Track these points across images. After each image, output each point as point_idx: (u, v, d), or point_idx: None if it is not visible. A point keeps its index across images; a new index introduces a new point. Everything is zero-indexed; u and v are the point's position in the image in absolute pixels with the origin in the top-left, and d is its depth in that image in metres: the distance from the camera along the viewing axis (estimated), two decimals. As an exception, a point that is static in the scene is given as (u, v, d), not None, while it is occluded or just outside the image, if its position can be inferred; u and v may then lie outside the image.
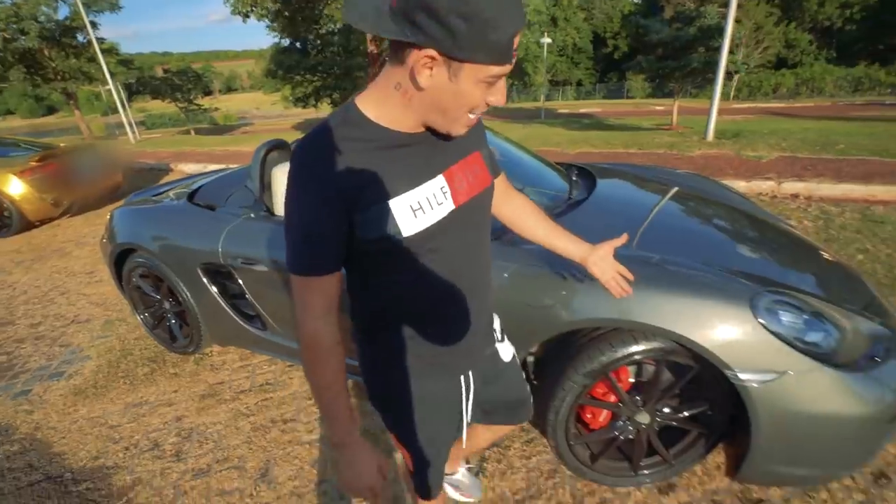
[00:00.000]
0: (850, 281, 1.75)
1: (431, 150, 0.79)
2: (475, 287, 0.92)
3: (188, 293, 2.43)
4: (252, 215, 2.22)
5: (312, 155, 0.74)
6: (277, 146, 2.28)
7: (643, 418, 1.59)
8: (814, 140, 6.44)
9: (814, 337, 1.35)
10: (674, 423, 1.61)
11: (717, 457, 1.77)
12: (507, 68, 0.67)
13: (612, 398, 1.61)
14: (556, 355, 1.60)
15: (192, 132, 22.45)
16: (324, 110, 24.22)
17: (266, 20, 12.22)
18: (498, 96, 0.70)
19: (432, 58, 0.64)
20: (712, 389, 1.47)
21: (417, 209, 0.77)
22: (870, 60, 29.33)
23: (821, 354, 1.32)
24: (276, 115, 40.29)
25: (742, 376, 1.32)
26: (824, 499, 1.59)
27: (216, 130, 25.62)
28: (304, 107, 20.35)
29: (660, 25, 14.76)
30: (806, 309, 1.38)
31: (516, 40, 0.65)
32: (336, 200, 0.72)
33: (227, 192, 2.47)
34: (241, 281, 2.18)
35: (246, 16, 12.02)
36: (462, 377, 1.00)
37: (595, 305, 1.44)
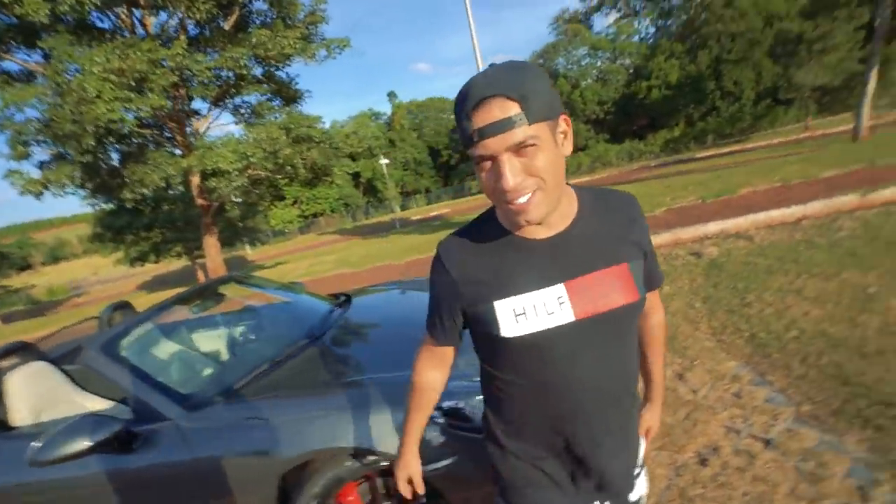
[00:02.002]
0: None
1: (555, 256, 0.80)
2: (595, 405, 0.84)
3: None
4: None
5: (446, 245, 0.86)
6: (9, 351, 2.11)
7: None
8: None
9: (477, 416, 1.59)
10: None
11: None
12: (480, 149, 0.68)
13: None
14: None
15: None
16: (172, 264, 22.55)
17: (72, 191, 11.38)
18: (500, 180, 0.69)
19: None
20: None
21: (521, 314, 0.78)
22: (632, 137, 38.14)
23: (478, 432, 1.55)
24: (120, 276, 36.21)
25: (427, 468, 1.47)
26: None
27: (36, 311, 21.92)
28: (142, 265, 18.72)
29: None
30: (468, 393, 1.64)
31: (477, 121, 0.67)
32: (450, 292, 0.85)
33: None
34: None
35: (39, 194, 11.01)
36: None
37: (300, 441, 1.53)
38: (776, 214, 5.34)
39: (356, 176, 46.09)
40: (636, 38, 41.13)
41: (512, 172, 0.68)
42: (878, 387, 2.14)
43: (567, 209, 0.80)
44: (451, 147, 46.51)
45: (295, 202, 43.73)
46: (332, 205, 45.20)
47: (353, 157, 44.80)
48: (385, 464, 1.53)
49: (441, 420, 1.53)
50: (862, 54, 19.33)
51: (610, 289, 0.79)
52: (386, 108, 56.50)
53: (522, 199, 0.70)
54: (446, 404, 1.57)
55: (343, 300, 2.86)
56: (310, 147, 11.79)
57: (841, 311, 2.95)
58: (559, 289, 0.78)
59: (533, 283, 0.78)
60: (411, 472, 1.12)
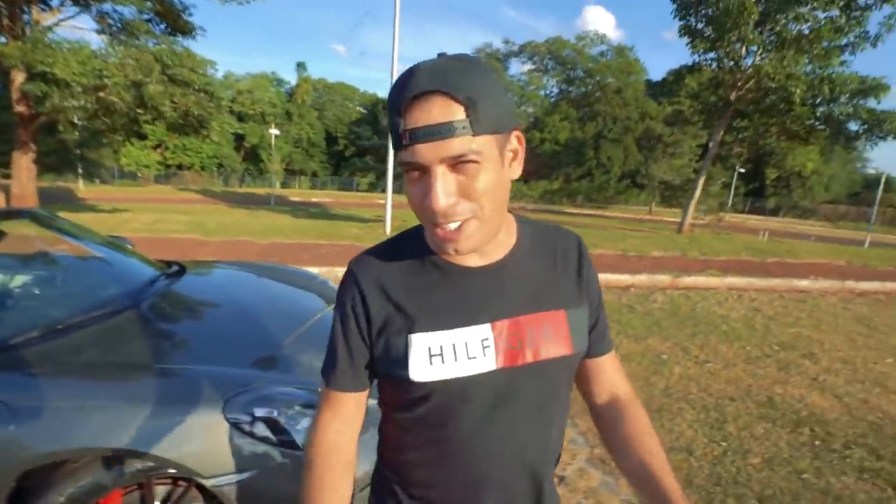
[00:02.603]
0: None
1: (486, 290, 0.66)
2: (508, 475, 0.69)
3: None
4: None
5: (360, 262, 0.70)
6: None
7: (152, 552, 1.39)
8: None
9: (298, 426, 1.46)
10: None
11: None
12: (409, 154, 0.55)
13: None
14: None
15: None
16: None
17: None
18: (428, 197, 0.56)
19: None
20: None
21: (436, 355, 0.63)
22: (517, 179, 41.52)
23: (298, 443, 1.42)
24: None
25: (215, 481, 1.29)
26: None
27: None
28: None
29: (371, 133, 17.35)
30: (291, 401, 1.50)
31: (411, 119, 0.54)
32: (363, 318, 0.67)
33: None
34: None
35: None
36: None
37: (42, 438, 1.22)
38: (612, 278, 6.19)
39: (239, 138, 41.78)
40: (542, 92, 45.29)
41: (444, 191, 0.55)
42: (652, 439, 2.54)
43: (505, 238, 0.68)
44: (349, 139, 45.09)
45: (159, 146, 37.80)
46: (204, 161, 40.15)
47: (240, 118, 40.78)
48: (172, 471, 1.31)
49: (248, 427, 1.36)
50: (696, 166, 24.03)
51: (542, 337, 0.66)
52: (291, 78, 52.63)
53: (452, 226, 0.58)
54: (259, 411, 1.41)
55: (175, 270, 2.47)
56: (186, 93, 10.23)
57: (640, 371, 3.47)
58: (485, 329, 0.64)
59: (457, 319, 0.65)
60: None
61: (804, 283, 7.01)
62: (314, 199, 26.15)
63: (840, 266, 8.47)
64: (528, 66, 45.21)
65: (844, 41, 11.49)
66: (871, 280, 7.41)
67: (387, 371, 0.67)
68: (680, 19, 12.51)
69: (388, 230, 8.31)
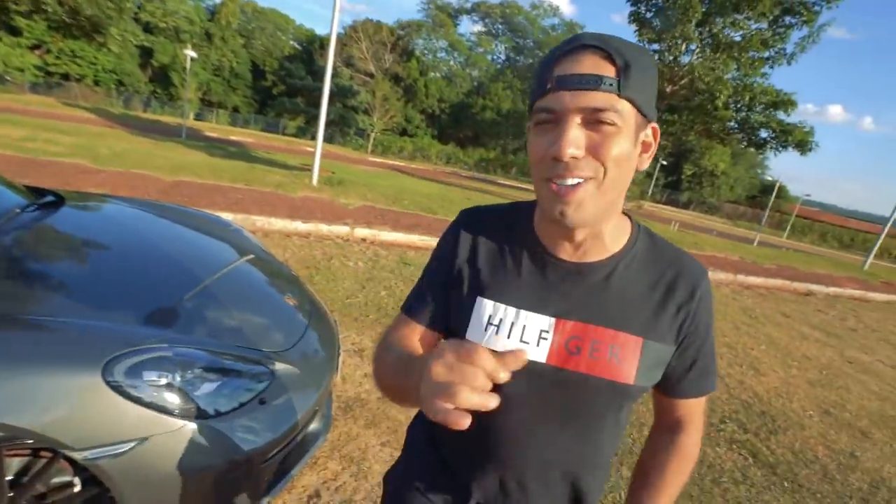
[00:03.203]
0: (291, 325, 1.91)
1: (567, 286, 0.65)
2: (532, 476, 0.70)
3: None
4: None
5: (470, 215, 0.74)
6: None
7: (2, 530, 1.21)
8: (392, 195, 8.09)
9: (195, 392, 1.32)
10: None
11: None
12: (549, 100, 0.56)
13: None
14: None
15: None
16: None
17: None
18: (555, 144, 0.55)
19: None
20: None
21: (493, 325, 0.66)
22: (455, 142, 41.26)
23: (194, 410, 1.29)
24: None
25: (87, 454, 1.14)
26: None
27: None
28: None
29: (304, 73, 16.01)
30: (188, 363, 1.35)
31: (561, 68, 0.56)
32: (451, 265, 0.71)
33: None
34: None
35: None
36: None
37: None
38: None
39: (146, 54, 36.70)
40: (490, 56, 44.85)
41: (574, 141, 0.55)
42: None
43: (612, 241, 0.66)
44: (279, 75, 41.50)
45: (38, 47, 31.94)
46: (99, 75, 34.76)
47: (147, 29, 35.68)
48: (28, 441, 1.12)
49: (134, 392, 1.20)
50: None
51: (605, 354, 0.63)
52: (214, -7, 46.70)
53: (570, 182, 0.56)
54: (149, 375, 1.26)
55: (50, 201, 2.11)
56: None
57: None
58: (548, 321, 0.65)
59: (527, 301, 0.66)
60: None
61: (704, 274, 7.83)
62: (233, 138, 24.00)
63: (734, 260, 9.56)
64: (478, 27, 44.37)
65: (767, 54, 12.60)
66: (757, 276, 8.47)
67: (451, 324, 0.71)
68: (632, 5, 12.87)
69: (315, 180, 7.87)
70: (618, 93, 0.55)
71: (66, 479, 1.30)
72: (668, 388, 0.72)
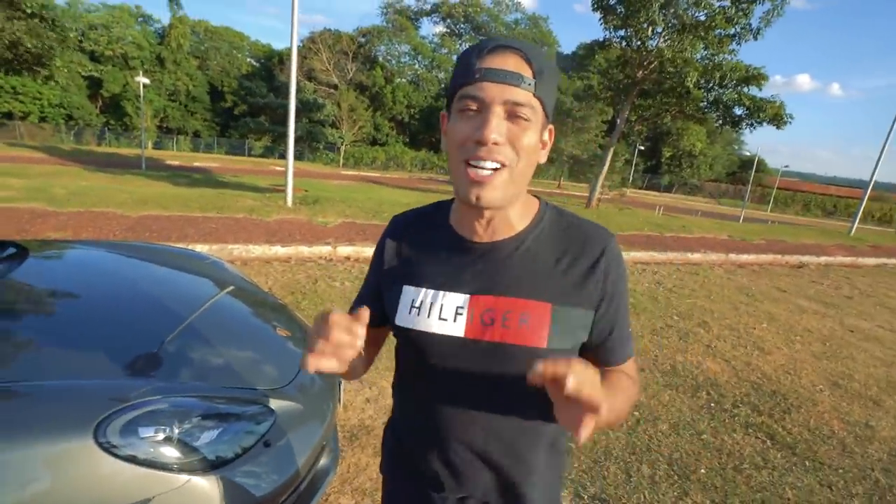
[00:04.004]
0: (287, 359, 1.87)
1: (479, 265, 0.74)
2: (463, 445, 0.78)
3: None
4: None
5: (397, 219, 0.86)
6: None
7: None
8: (371, 208, 8.05)
9: (196, 442, 1.28)
10: None
11: None
12: (476, 89, 0.64)
13: None
14: None
15: None
16: None
17: None
18: (480, 129, 0.64)
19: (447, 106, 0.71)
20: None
21: (416, 307, 0.75)
22: (428, 147, 41.38)
23: (197, 462, 1.25)
24: None
25: (88, 524, 1.09)
26: None
27: None
28: None
29: (266, 90, 15.84)
30: (185, 413, 1.30)
31: (487, 62, 0.64)
32: (379, 265, 0.83)
33: None
34: None
35: None
36: None
37: None
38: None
39: (96, 84, 35.95)
40: (454, 56, 45.22)
41: (497, 128, 0.64)
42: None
43: (518, 219, 0.75)
44: (239, 95, 41.06)
45: (-25, 87, 31.05)
46: (46, 111, 33.88)
47: (93, 58, 34.98)
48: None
49: (130, 452, 1.16)
50: (601, 142, 25.88)
51: (516, 322, 0.70)
52: (162, 15, 46.03)
53: (488, 165, 0.65)
54: (145, 431, 1.21)
55: (11, 253, 2.04)
56: (13, 17, 8.36)
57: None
58: (463, 298, 0.73)
59: (444, 282, 0.75)
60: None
61: (696, 257, 7.97)
62: (197, 164, 23.62)
63: (724, 240, 9.77)
64: (440, 28, 44.75)
65: (733, 31, 12.98)
66: (748, 253, 8.66)
67: (388, 313, 0.80)
68: (593, -8, 13.13)
69: (290, 201, 7.78)
70: (533, 92, 0.65)
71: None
72: (599, 356, 0.77)
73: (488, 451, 0.77)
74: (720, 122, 14.33)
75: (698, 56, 13.36)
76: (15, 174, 10.74)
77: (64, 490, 1.08)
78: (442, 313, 0.73)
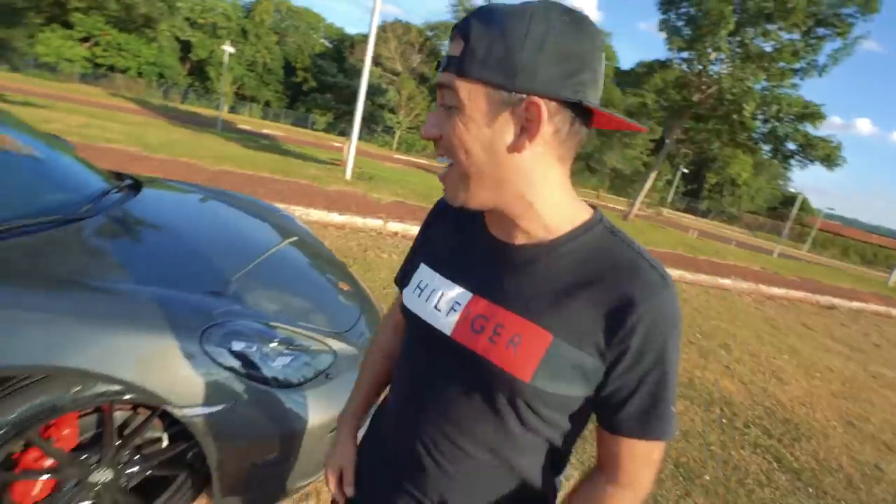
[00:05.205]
0: (347, 309, 2.01)
1: (492, 263, 0.62)
2: (424, 443, 0.65)
3: None
4: None
5: (440, 202, 0.76)
6: None
7: (103, 476, 1.32)
8: (421, 192, 8.17)
9: (272, 363, 1.41)
10: (152, 472, 1.41)
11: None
12: (437, 79, 0.55)
13: (49, 462, 1.27)
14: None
15: None
16: None
17: None
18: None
19: None
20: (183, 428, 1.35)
21: (421, 289, 0.67)
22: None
23: (272, 380, 1.39)
24: None
25: (186, 411, 1.24)
26: (311, 507, 1.71)
27: None
28: None
29: (336, 70, 16.22)
30: (270, 338, 1.44)
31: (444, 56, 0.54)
32: (418, 240, 0.78)
33: None
34: None
35: None
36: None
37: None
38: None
39: (186, 49, 37.56)
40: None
41: (430, 120, 0.56)
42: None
43: (542, 226, 0.58)
44: (311, 72, 41.96)
45: (87, 40, 32.98)
46: (142, 67, 35.75)
47: (189, 26, 36.48)
48: (128, 397, 1.23)
49: (223, 360, 1.30)
50: (646, 159, 25.08)
51: (504, 341, 0.56)
52: (251, -9, 47.37)
53: (444, 162, 0.56)
54: (237, 345, 1.35)
55: (129, 184, 2.24)
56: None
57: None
58: (463, 295, 0.61)
59: (452, 272, 0.64)
60: (343, 463, 0.82)
61: (727, 282, 7.72)
62: (265, 131, 24.45)
63: (756, 271, 9.38)
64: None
65: (797, 66, 12.26)
66: (779, 287, 8.30)
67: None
68: (662, 13, 12.66)
69: (349, 174, 8.00)
70: (455, 73, 0.51)
71: (157, 434, 1.41)
72: (602, 416, 0.59)
73: (453, 451, 0.63)
74: (771, 154, 13.64)
75: (758, 86, 12.70)
76: (115, 120, 11.47)
77: (176, 380, 1.23)
78: (439, 303, 0.63)
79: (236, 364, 1.32)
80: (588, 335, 0.54)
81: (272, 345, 1.44)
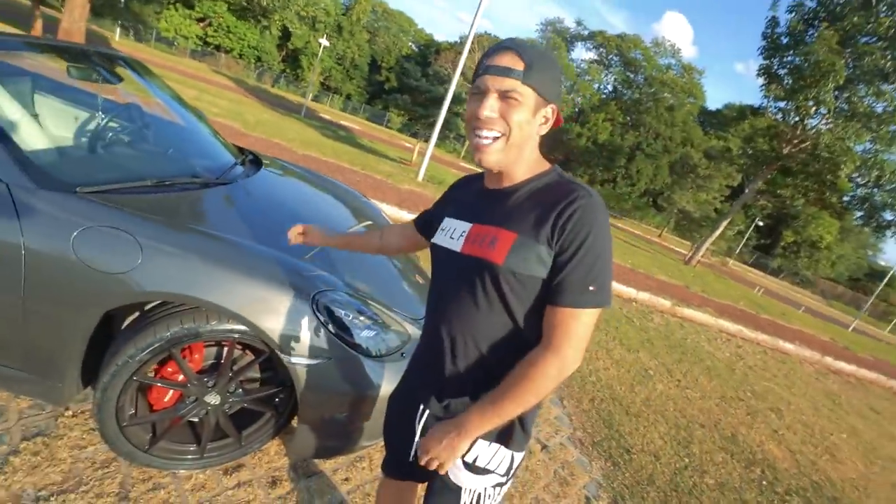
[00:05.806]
0: (419, 300, 2.22)
1: (485, 204, 0.95)
2: (438, 336, 0.97)
3: None
4: None
5: (459, 179, 1.16)
6: None
7: (213, 399, 1.59)
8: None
9: (360, 333, 1.63)
10: (246, 405, 1.67)
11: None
12: (480, 80, 0.86)
13: (181, 377, 1.55)
14: (120, 329, 1.46)
15: None
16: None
17: None
18: (479, 109, 0.85)
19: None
20: (281, 373, 1.60)
21: (444, 230, 1.00)
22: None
23: (360, 347, 1.60)
24: None
25: (294, 360, 1.48)
26: (364, 466, 1.92)
27: None
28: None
29: (419, 74, 16.91)
30: (359, 311, 1.66)
31: (491, 60, 0.84)
32: (442, 200, 1.14)
33: None
34: None
35: None
36: (420, 405, 1.04)
37: (165, 279, 1.38)
38: (620, 288, 6.38)
39: (285, 36, 40.29)
40: (596, 85, 43.90)
41: (490, 107, 0.84)
42: (627, 437, 2.80)
43: (522, 174, 0.92)
44: (395, 72, 43.61)
45: (203, 20, 36.34)
46: (244, 50, 38.79)
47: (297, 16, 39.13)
48: (248, 339, 1.48)
49: (329, 322, 1.53)
50: (718, 206, 23.81)
51: (488, 243, 0.88)
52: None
53: (487, 139, 0.86)
54: (338, 311, 1.58)
55: (251, 158, 2.59)
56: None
57: (627, 377, 3.71)
58: (466, 225, 0.95)
59: (459, 214, 0.99)
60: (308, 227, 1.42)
61: (789, 346, 7.27)
62: (343, 122, 25.72)
63: (824, 341, 8.73)
64: (591, 55, 43.62)
65: (910, 130, 11.28)
66: (848, 362, 7.69)
67: (430, 236, 1.06)
68: (764, 59, 12.10)
69: (422, 176, 8.34)
70: (521, 81, 0.82)
71: (255, 375, 1.67)
72: (549, 295, 0.84)
73: (466, 348, 0.92)
74: (863, 221, 12.60)
75: (860, 147, 11.82)
76: (218, 96, 12.61)
77: (290, 331, 1.46)
78: (453, 234, 0.96)
79: (335, 328, 1.55)
80: (541, 233, 0.83)
81: (362, 318, 1.66)
